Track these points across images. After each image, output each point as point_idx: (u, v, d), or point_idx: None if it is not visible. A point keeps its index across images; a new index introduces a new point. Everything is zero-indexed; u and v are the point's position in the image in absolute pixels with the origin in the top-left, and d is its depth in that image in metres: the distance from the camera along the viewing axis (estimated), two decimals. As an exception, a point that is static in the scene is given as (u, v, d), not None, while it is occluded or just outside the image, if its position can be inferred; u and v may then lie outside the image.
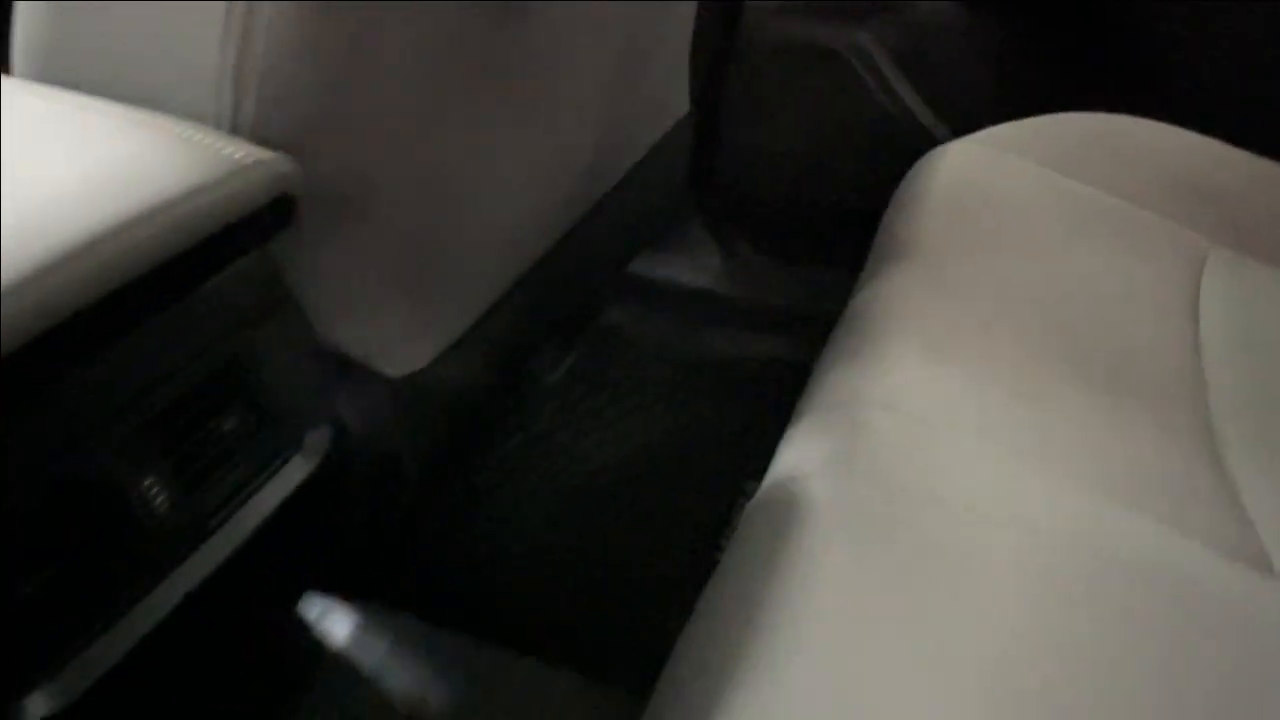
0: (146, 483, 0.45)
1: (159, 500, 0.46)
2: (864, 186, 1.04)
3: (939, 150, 0.89)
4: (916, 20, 1.04)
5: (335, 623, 0.76)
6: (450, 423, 0.70)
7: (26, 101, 0.46)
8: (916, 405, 0.54)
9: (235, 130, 0.46)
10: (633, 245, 1.10)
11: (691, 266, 1.29)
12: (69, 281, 0.36)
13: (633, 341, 1.28)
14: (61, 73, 0.48)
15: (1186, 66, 0.99)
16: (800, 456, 0.52)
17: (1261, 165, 0.91)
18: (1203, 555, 0.49)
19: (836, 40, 1.06)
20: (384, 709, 0.72)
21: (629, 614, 0.84)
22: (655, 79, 0.92)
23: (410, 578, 0.83)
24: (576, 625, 0.83)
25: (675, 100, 0.99)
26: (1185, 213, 0.82)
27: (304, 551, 0.63)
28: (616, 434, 1.12)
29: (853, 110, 1.09)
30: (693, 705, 0.43)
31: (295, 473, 0.54)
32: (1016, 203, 0.81)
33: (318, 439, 0.56)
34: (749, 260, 1.28)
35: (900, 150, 0.99)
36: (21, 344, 0.35)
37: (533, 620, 0.83)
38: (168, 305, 0.44)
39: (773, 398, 1.29)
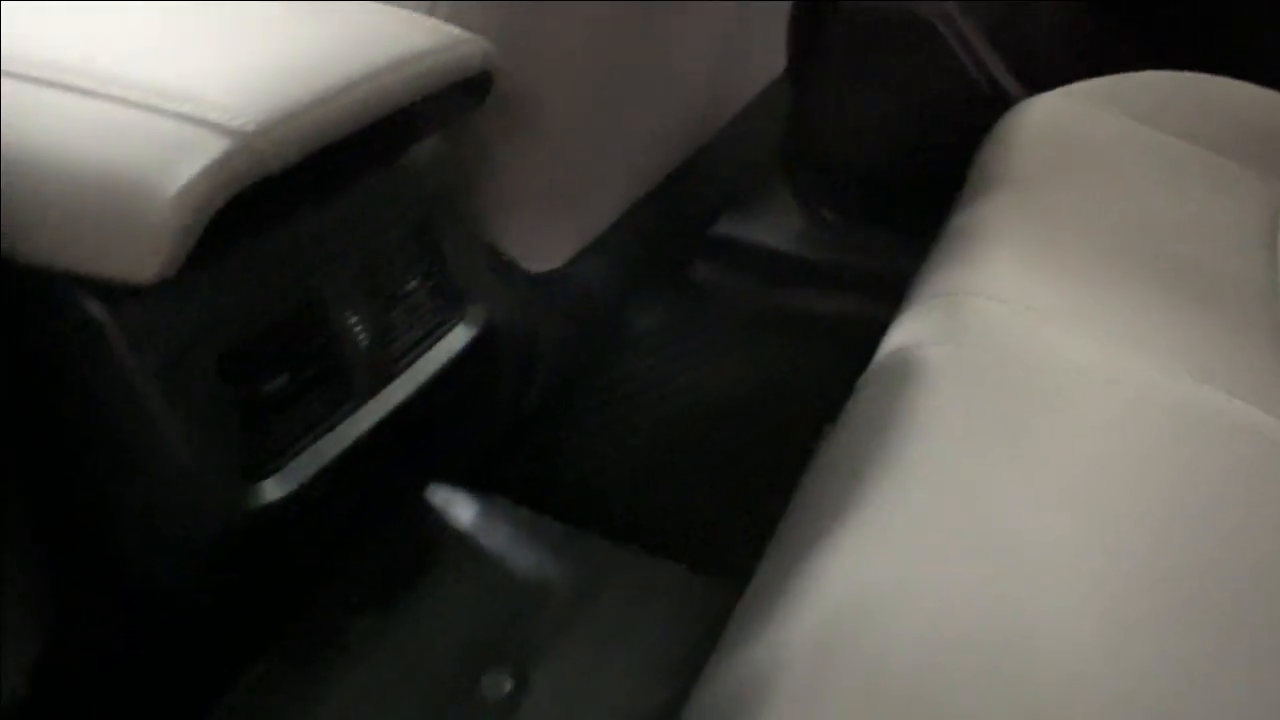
0: (353, 320, 0.53)
1: (361, 339, 0.53)
2: (948, 151, 1.10)
3: (1027, 103, 0.94)
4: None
5: (458, 510, 0.84)
6: (579, 319, 0.77)
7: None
8: (1019, 296, 0.60)
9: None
10: (728, 196, 1.16)
11: (775, 227, 1.35)
12: (326, 118, 0.43)
13: (717, 296, 1.34)
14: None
15: (1262, 27, 1.03)
16: (910, 335, 0.58)
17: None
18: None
19: (928, 10, 1.12)
20: (501, 594, 0.79)
21: (727, 515, 0.90)
22: (759, 36, 0.99)
23: (528, 475, 0.90)
24: (677, 526, 0.90)
25: (773, 59, 1.06)
26: (1263, 162, 0.87)
27: (453, 419, 0.70)
28: (703, 376, 1.19)
29: (940, 77, 1.15)
30: (807, 543, 0.49)
31: (458, 339, 0.61)
32: (1102, 147, 0.86)
33: (476, 313, 0.63)
34: (832, 223, 1.34)
35: (984, 116, 1.05)
36: (280, 169, 0.42)
37: (638, 521, 0.89)
38: (384, 163, 0.51)
39: (850, 351, 1.35)
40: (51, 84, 0.40)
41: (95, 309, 0.41)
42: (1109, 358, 0.55)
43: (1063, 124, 0.89)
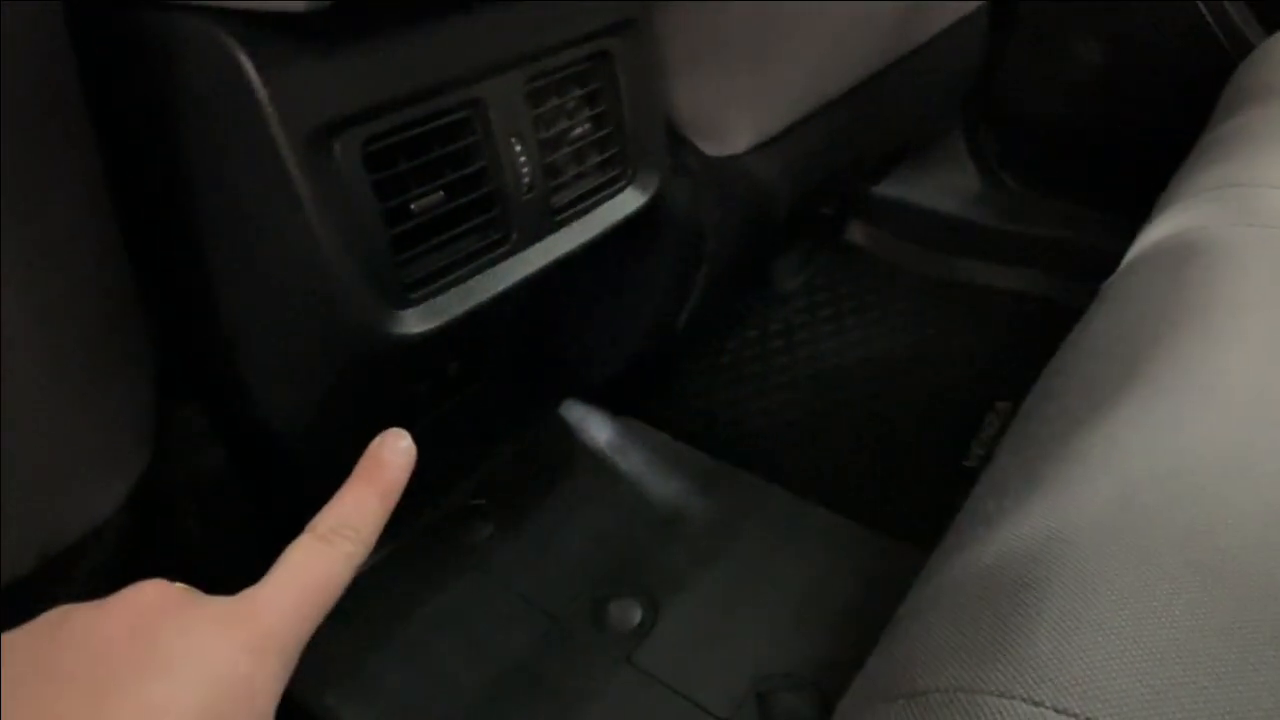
0: (516, 149, 0.46)
1: (524, 171, 0.47)
2: (1168, 113, 0.97)
3: (1274, 40, 0.81)
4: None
5: (594, 428, 0.77)
6: (748, 212, 0.68)
7: None
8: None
9: None
10: (903, 139, 1.06)
11: (945, 190, 1.23)
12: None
13: (875, 260, 1.24)
14: None
15: None
16: (1184, 224, 0.48)
17: None
18: None
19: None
20: (635, 519, 0.71)
21: (873, 472, 0.81)
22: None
23: (669, 407, 0.83)
24: (818, 477, 0.81)
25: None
26: None
27: (608, 310, 0.63)
28: (854, 342, 1.09)
29: (1170, 22, 1.02)
30: (1071, 427, 0.38)
31: (625, 203, 0.54)
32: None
33: (647, 180, 0.55)
34: (1011, 189, 1.22)
35: (1218, 68, 0.92)
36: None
37: (780, 466, 0.81)
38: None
39: (1025, 332, 1.22)
40: None
41: (248, 67, 0.35)
42: None
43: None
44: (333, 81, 0.37)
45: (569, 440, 0.76)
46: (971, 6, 0.98)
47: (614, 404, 0.78)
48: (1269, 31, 0.97)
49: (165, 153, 0.38)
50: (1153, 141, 0.93)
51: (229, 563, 0.34)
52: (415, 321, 0.42)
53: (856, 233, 1.26)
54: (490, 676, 0.57)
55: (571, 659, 0.59)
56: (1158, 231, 0.48)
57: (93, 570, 0.41)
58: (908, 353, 1.07)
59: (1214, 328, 0.37)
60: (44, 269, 0.33)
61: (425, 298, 0.43)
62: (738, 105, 0.64)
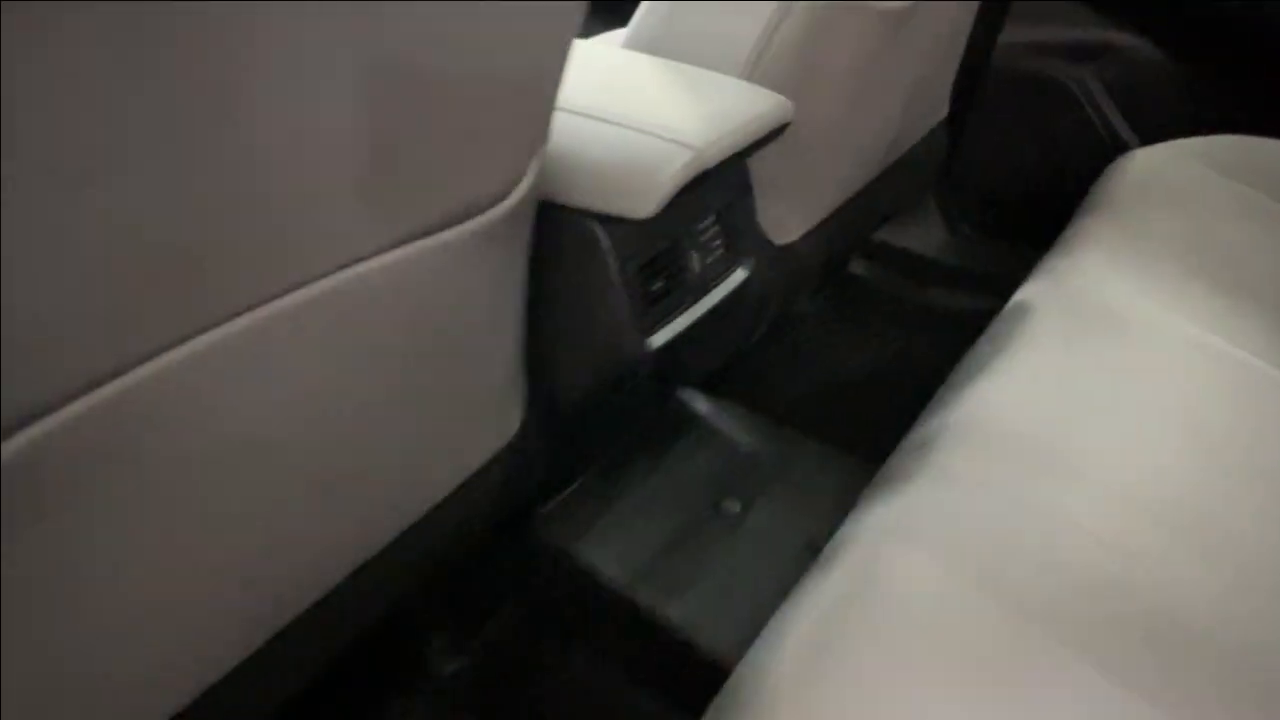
0: (693, 254, 0.91)
1: (695, 264, 0.91)
2: (1070, 184, 1.43)
3: (1135, 152, 1.27)
4: (1125, 59, 1.41)
5: (700, 405, 1.21)
6: (795, 277, 1.13)
7: (653, 64, 0.92)
8: (1108, 278, 0.94)
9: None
10: (891, 210, 1.52)
11: (922, 237, 1.69)
12: (724, 144, 0.81)
13: (872, 289, 1.69)
14: (665, 49, 0.95)
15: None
16: (1026, 295, 0.93)
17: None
18: None
19: (1065, 73, 1.44)
20: (732, 455, 1.16)
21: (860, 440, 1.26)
22: (936, 88, 1.34)
23: (740, 391, 1.28)
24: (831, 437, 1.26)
25: (942, 107, 1.41)
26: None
27: (715, 339, 1.08)
28: (854, 351, 1.54)
29: (1071, 128, 1.48)
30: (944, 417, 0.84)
31: (737, 277, 0.99)
32: (1188, 191, 1.18)
33: (746, 262, 1.00)
34: (968, 236, 1.67)
35: (1103, 159, 1.37)
36: (696, 171, 0.80)
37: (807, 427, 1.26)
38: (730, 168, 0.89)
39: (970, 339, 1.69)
40: (590, 116, 0.79)
41: (599, 232, 0.79)
42: (1163, 320, 0.89)
43: (1161, 171, 1.22)
44: (640, 238, 0.81)
45: (686, 412, 1.21)
46: (937, 119, 1.43)
47: (707, 387, 1.23)
48: (1144, 141, 1.43)
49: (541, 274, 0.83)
50: (1065, 205, 1.38)
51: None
52: (653, 343, 0.87)
53: (858, 267, 1.72)
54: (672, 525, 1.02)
55: (700, 532, 1.04)
56: (1014, 298, 0.93)
57: (502, 480, 0.84)
58: (890, 358, 1.52)
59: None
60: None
61: (655, 331, 0.87)
62: (793, 209, 1.09)
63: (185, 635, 0.54)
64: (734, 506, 1.07)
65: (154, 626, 0.51)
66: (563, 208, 0.79)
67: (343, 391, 0.57)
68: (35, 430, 0.38)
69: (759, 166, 1.01)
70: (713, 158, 0.78)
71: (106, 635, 0.48)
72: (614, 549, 1.00)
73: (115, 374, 0.41)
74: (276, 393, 0.52)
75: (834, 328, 1.59)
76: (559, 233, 0.80)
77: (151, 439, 0.45)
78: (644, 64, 0.94)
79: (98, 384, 0.40)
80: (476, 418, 0.76)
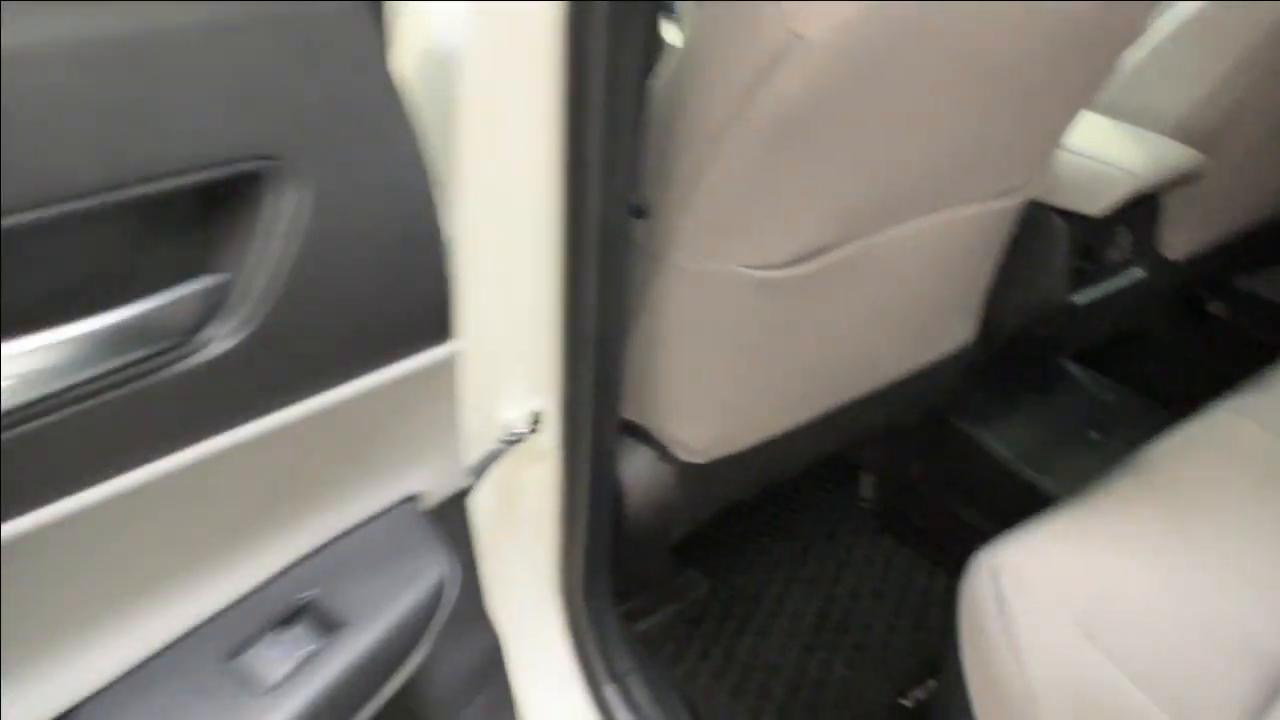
0: (1114, 245, 1.35)
1: (1110, 252, 1.36)
2: None
3: None
4: None
5: (1076, 370, 1.64)
6: (1182, 292, 1.52)
7: (1109, 122, 1.37)
8: None
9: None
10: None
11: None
12: (1153, 179, 1.26)
13: (1229, 329, 2.00)
14: (1116, 111, 1.40)
15: None
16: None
17: None
18: None
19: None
20: (1092, 407, 1.58)
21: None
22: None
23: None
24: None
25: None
26: None
27: (1108, 317, 1.51)
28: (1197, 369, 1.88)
29: None
30: None
31: (1136, 273, 1.41)
32: None
33: (1143, 264, 1.42)
34: None
35: None
36: (1133, 193, 1.25)
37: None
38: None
39: None
40: (1068, 150, 1.27)
41: (1057, 220, 1.26)
42: None
43: None
44: (1079, 230, 1.28)
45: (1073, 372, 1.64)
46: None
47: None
48: None
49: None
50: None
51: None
52: (1075, 300, 1.32)
53: (1217, 308, 2.03)
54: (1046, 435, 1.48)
55: (1066, 444, 1.48)
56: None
57: (950, 372, 1.34)
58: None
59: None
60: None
61: (1075, 293, 1.33)
62: (1185, 234, 1.49)
63: (812, 385, 1.10)
64: (1097, 435, 1.50)
65: (819, 376, 1.07)
66: (1035, 202, 1.27)
67: (906, 294, 1.10)
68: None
69: (1166, 197, 1.43)
70: (1146, 187, 1.23)
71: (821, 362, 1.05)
72: (1004, 437, 1.47)
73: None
74: (893, 284, 1.05)
75: (1185, 356, 1.93)
76: (1030, 216, 1.29)
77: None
78: (1104, 121, 1.39)
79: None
80: (949, 326, 1.26)
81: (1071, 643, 0.79)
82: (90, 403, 0.37)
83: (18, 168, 0.32)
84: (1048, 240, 1.29)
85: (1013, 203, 1.12)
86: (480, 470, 0.74)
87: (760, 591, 1.42)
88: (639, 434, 1.10)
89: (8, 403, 0.35)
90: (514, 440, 0.86)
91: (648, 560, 1.37)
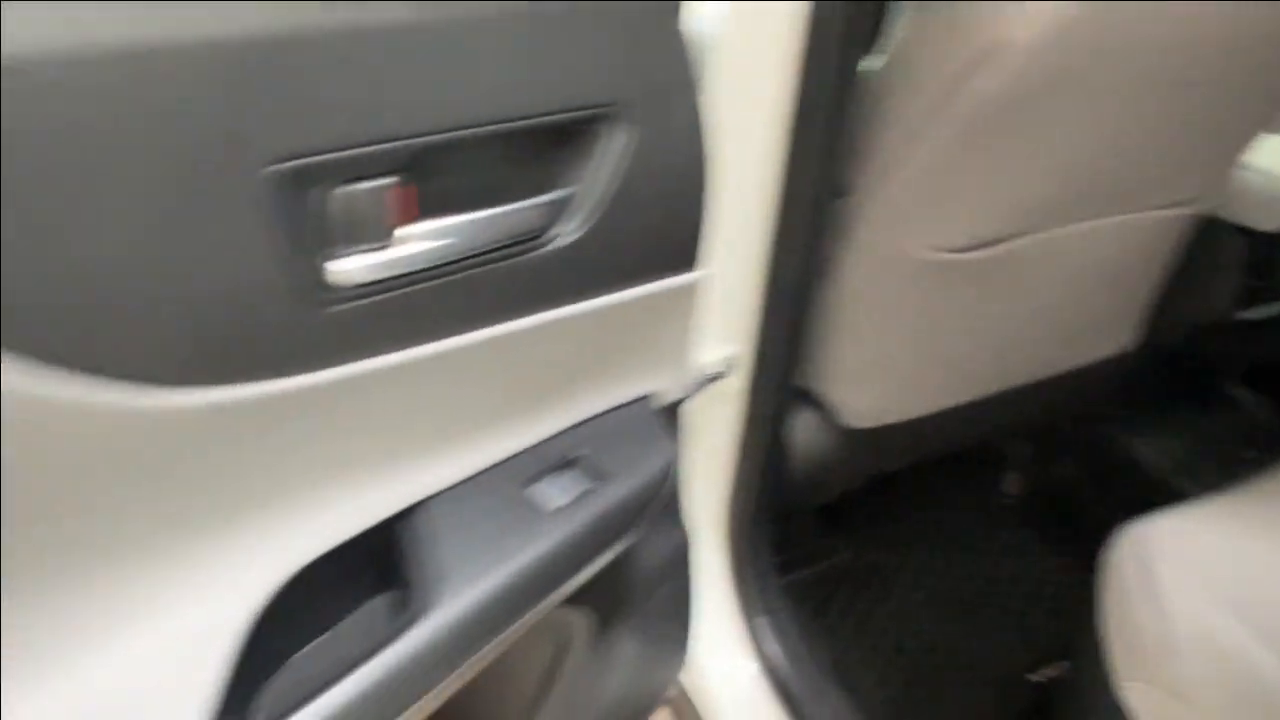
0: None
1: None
2: None
3: None
4: None
5: (1242, 393, 1.65)
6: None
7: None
8: None
9: None
10: None
11: None
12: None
13: None
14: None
15: None
16: None
17: None
18: None
19: None
20: (1247, 425, 1.59)
21: None
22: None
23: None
24: None
25: None
26: None
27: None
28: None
29: None
30: None
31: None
32: None
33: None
34: None
35: None
36: None
37: None
38: None
39: None
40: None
41: (1230, 231, 1.30)
42: None
43: None
44: (1248, 245, 1.31)
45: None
46: None
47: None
48: None
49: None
50: None
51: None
52: (1245, 316, 1.36)
53: None
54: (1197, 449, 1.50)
55: (1218, 468, 1.50)
56: None
57: (1105, 374, 1.39)
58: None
59: None
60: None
61: (1245, 310, 1.36)
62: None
63: (975, 367, 1.19)
64: (1253, 453, 1.51)
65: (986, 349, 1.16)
66: (1209, 216, 1.31)
67: (1071, 292, 1.16)
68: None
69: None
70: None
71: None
72: (1157, 447, 1.50)
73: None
74: (1066, 270, 1.13)
75: None
76: (1204, 229, 1.33)
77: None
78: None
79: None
80: (1109, 329, 1.32)
81: (1214, 610, 0.85)
82: (479, 270, 0.52)
83: (443, 101, 0.47)
84: (1220, 255, 1.32)
85: (1186, 214, 1.17)
86: (692, 391, 0.87)
87: (900, 565, 1.51)
88: (807, 398, 1.21)
89: (428, 260, 0.50)
90: (711, 379, 0.99)
91: (799, 518, 1.48)
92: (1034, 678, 1.31)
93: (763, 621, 1.18)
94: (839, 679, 1.15)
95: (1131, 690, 0.89)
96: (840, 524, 1.56)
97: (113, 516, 0.42)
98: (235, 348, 0.42)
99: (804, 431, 1.21)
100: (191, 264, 0.39)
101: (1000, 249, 1.03)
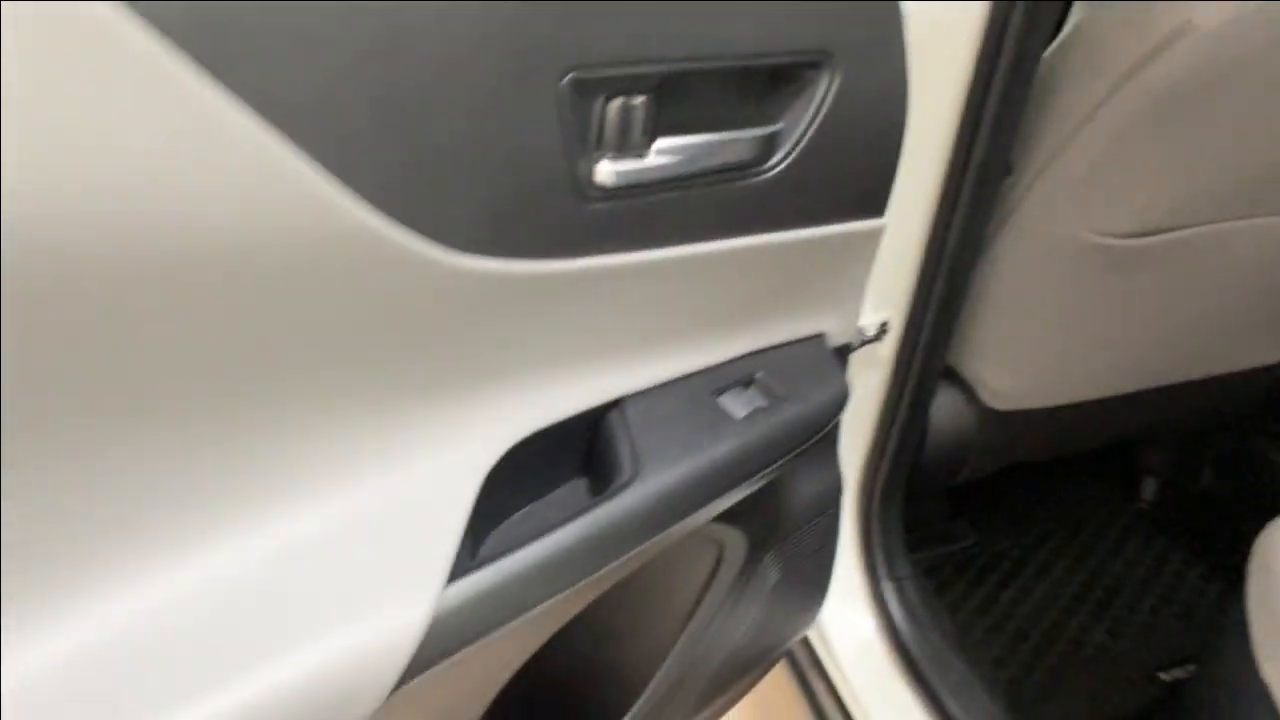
0: None
1: None
2: None
3: None
4: None
5: None
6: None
7: None
8: None
9: None
10: None
11: None
12: None
13: None
14: None
15: None
16: None
17: None
18: None
19: None
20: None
21: None
22: None
23: None
24: None
25: None
26: None
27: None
28: None
29: None
30: None
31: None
32: None
33: None
34: None
35: None
36: None
37: None
38: None
39: None
40: None
41: None
42: None
43: None
44: None
45: None
46: None
47: None
48: None
49: None
50: None
51: None
52: None
53: None
54: None
55: None
56: None
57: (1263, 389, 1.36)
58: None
59: None
60: None
61: None
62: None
63: (1125, 359, 1.19)
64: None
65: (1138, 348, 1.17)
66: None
67: (1232, 292, 1.16)
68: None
69: None
70: None
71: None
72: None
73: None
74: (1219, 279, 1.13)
75: None
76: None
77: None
78: None
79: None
80: (1270, 336, 1.30)
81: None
82: (700, 189, 0.59)
83: (692, 34, 0.54)
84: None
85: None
86: (857, 343, 0.92)
87: (1026, 556, 1.52)
88: (950, 374, 1.24)
89: (665, 174, 0.57)
90: (865, 341, 1.04)
91: (928, 499, 1.51)
92: (1164, 676, 1.31)
93: (889, 587, 1.22)
94: (960, 652, 1.18)
95: (1275, 669, 0.90)
96: (967, 512, 1.57)
97: (394, 356, 0.51)
98: (519, 227, 0.50)
99: (943, 408, 1.24)
100: (501, 151, 0.48)
101: (1166, 238, 1.05)
